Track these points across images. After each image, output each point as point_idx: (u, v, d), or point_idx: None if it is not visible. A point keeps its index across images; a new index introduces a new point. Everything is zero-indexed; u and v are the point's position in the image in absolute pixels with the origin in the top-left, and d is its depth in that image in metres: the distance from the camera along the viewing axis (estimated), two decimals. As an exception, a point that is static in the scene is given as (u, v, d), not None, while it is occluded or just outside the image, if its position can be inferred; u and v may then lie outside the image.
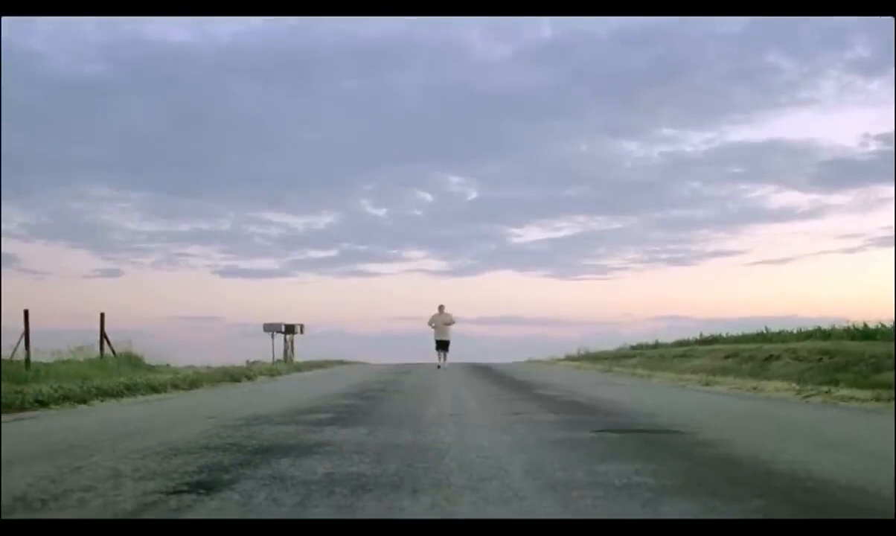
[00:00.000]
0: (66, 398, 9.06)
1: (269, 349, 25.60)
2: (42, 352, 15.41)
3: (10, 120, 29.27)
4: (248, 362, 23.10)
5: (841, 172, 38.11)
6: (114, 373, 14.22)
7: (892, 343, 13.30)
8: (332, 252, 45.79)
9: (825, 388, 10.56)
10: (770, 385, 12.04)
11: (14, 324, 14.91)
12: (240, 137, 40.71)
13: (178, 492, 3.20)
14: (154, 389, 11.63)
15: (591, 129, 42.24)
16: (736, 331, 20.77)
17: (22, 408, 8.06)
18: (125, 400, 10.01)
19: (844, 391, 9.92)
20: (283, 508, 2.90)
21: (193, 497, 3.11)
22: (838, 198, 47.04)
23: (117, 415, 7.81)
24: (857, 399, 9.08)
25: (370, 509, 2.87)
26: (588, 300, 44.61)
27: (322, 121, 41.70)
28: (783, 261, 42.91)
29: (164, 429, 5.98)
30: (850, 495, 3.21)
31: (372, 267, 47.12)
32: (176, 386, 12.54)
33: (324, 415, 7.07)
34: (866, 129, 44.26)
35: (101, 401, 9.52)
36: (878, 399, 8.83)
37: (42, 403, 8.52)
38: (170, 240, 44.38)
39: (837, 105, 39.77)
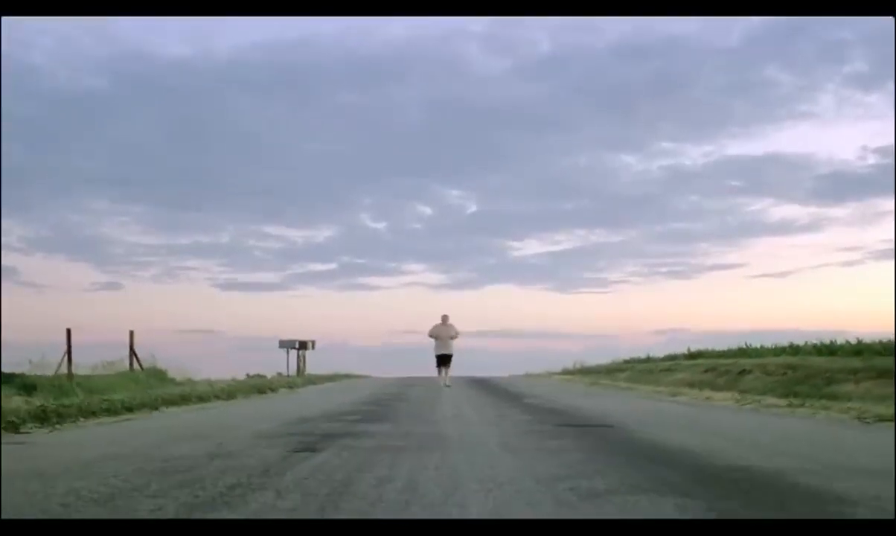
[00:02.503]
0: (142, 406, 11.34)
1: (266, 363, 27.38)
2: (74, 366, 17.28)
3: (11, 133, 30.14)
4: (247, 375, 24.59)
5: (840, 186, 39.35)
6: (145, 386, 16.30)
7: (851, 360, 15.55)
8: (332, 266, 47.85)
9: (758, 398, 12.90)
10: (719, 396, 14.34)
11: (14, 337, 16.62)
12: (239, 151, 41.82)
13: (297, 451, 5.52)
14: (202, 399, 13.85)
15: (590, 142, 43.64)
16: (735, 345, 21.99)
17: (116, 413, 10.33)
18: (183, 407, 12.27)
19: (771, 401, 12.25)
20: (359, 460, 5.18)
21: (308, 453, 5.41)
22: (837, 211, 48.73)
23: (196, 418, 9.99)
24: (777, 406, 11.39)
25: (408, 461, 5.14)
26: (588, 314, 46.05)
27: (321, 135, 42.78)
28: (783, 274, 44.25)
29: (245, 426, 8.22)
30: (687, 456, 5.48)
31: (371, 281, 48.79)
32: (217, 397, 14.75)
33: (354, 417, 9.34)
34: (865, 142, 46.42)
35: (167, 408, 11.76)
36: (790, 405, 11.16)
37: (129, 409, 10.80)
38: (169, 253, 45.22)
39: (836, 118, 40.92)
